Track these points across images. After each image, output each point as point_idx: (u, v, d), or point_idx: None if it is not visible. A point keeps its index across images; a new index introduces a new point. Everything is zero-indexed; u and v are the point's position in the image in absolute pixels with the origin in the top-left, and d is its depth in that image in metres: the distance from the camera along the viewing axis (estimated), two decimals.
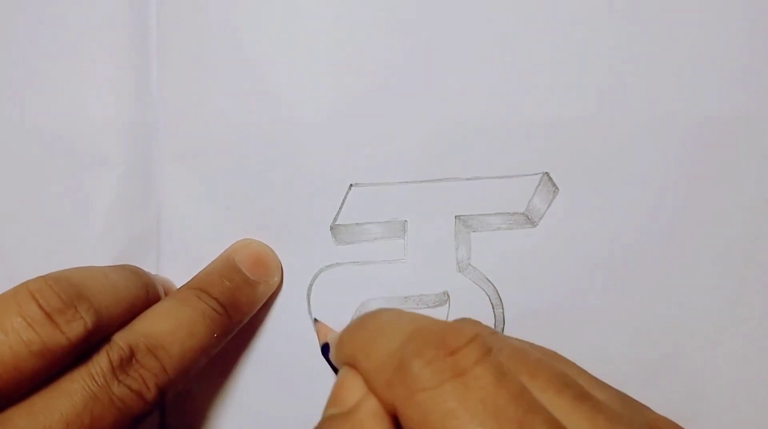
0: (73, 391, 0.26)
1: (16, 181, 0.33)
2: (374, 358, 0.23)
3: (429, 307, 0.34)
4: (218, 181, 0.33)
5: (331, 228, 0.34)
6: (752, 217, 0.33)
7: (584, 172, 0.33)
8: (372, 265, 0.34)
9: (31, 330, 0.25)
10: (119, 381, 0.27)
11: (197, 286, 0.31)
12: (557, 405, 0.22)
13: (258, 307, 0.33)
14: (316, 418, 0.33)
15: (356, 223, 0.34)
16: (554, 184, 0.33)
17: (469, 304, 0.33)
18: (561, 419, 0.21)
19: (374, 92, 0.33)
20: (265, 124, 0.33)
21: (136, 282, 0.29)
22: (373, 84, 0.33)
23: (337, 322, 0.34)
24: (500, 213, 0.33)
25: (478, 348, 0.22)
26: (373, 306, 0.34)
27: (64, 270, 0.28)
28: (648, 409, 0.24)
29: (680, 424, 0.32)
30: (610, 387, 0.24)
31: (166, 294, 0.32)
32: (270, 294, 0.33)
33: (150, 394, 0.27)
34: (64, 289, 0.26)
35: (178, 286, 0.33)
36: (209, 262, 0.33)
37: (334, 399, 0.25)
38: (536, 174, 0.33)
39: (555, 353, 0.26)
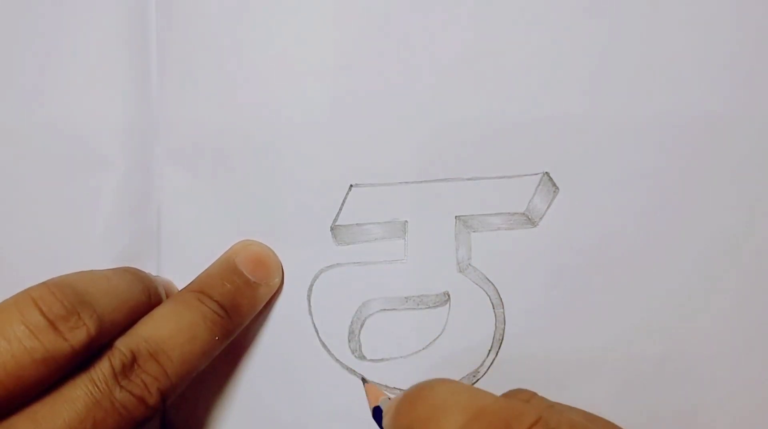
0: (76, 397, 0.26)
1: (16, 183, 0.33)
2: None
3: (429, 307, 0.34)
4: (218, 182, 0.33)
5: (332, 228, 0.34)
6: (754, 216, 0.33)
7: (584, 172, 0.33)
8: (372, 266, 0.34)
9: (33, 338, 0.25)
10: (121, 386, 0.27)
11: (198, 289, 0.31)
12: None
13: (259, 309, 0.33)
14: (317, 418, 0.33)
15: (356, 224, 0.34)
16: (554, 184, 0.33)
17: (469, 305, 0.33)
18: None
19: (374, 93, 0.33)
20: (265, 125, 0.33)
21: (137, 285, 0.29)
22: (373, 84, 0.33)
23: (338, 322, 0.34)
24: (500, 213, 0.33)
25: None
26: (374, 306, 0.34)
27: (67, 275, 0.28)
28: None
29: (681, 422, 0.32)
30: None
31: (167, 296, 0.32)
32: (271, 295, 0.33)
33: (152, 399, 0.27)
34: (66, 296, 0.26)
35: (179, 288, 0.33)
36: (210, 264, 0.33)
37: None
38: (536, 174, 0.33)
39: (612, 425, 0.26)
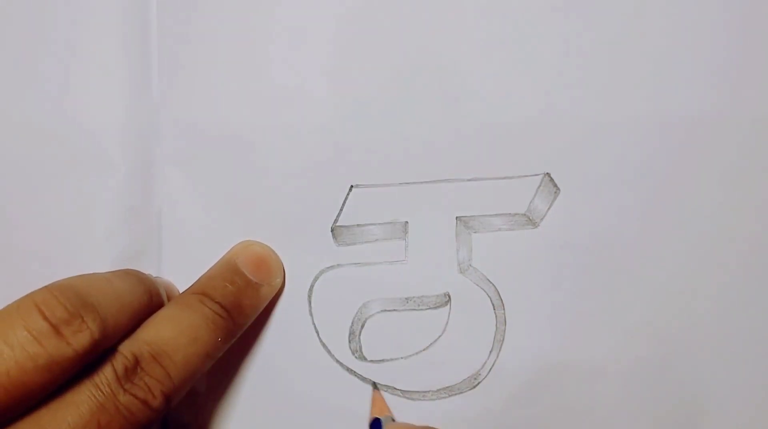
0: (80, 401, 0.26)
1: (16, 184, 0.33)
2: None
3: (430, 308, 0.34)
4: (219, 183, 0.33)
5: (332, 229, 0.33)
6: (756, 217, 0.33)
7: (585, 173, 0.33)
8: (373, 267, 0.34)
9: (36, 343, 0.24)
10: (125, 390, 0.26)
11: (200, 291, 0.30)
12: None
13: (261, 309, 0.32)
14: (317, 419, 0.33)
15: (357, 225, 0.33)
16: (555, 185, 0.33)
17: (470, 306, 0.33)
18: None
19: (374, 93, 0.33)
20: (265, 126, 0.33)
21: (139, 288, 0.29)
22: (373, 85, 0.33)
23: (339, 322, 0.34)
24: (501, 214, 0.33)
25: None
26: (375, 307, 0.34)
27: (69, 279, 0.27)
28: None
29: (680, 423, 0.33)
30: None
31: (168, 298, 0.32)
32: (273, 295, 0.33)
33: (156, 402, 0.27)
34: (69, 300, 0.26)
35: (180, 289, 0.33)
36: (211, 265, 0.33)
37: None
38: (537, 175, 0.33)
39: None
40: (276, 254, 0.33)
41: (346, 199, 0.33)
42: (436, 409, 0.34)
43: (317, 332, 0.34)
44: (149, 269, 0.34)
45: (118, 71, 0.33)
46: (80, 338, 0.25)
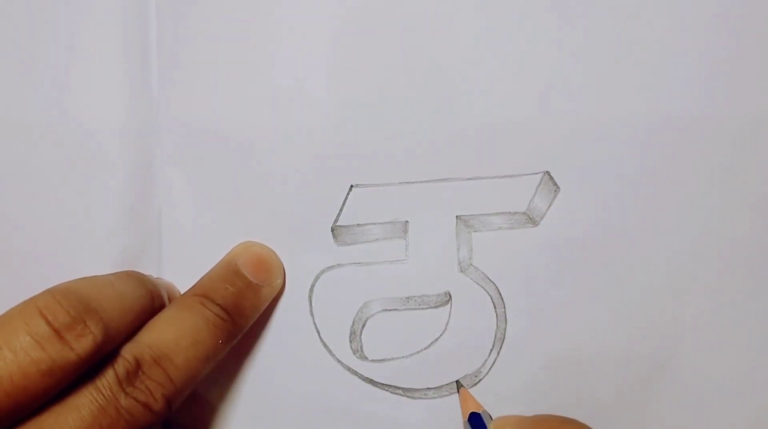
0: (81, 405, 0.26)
1: (16, 185, 0.33)
2: None
3: (431, 307, 0.34)
4: (219, 184, 0.33)
5: (332, 229, 0.33)
6: (753, 215, 0.33)
7: (585, 171, 0.33)
8: (373, 266, 0.34)
9: (39, 348, 0.25)
10: (126, 393, 0.26)
11: (200, 293, 0.30)
12: None
13: (262, 311, 0.33)
14: (318, 419, 0.33)
15: (357, 224, 0.33)
16: (555, 184, 0.33)
17: (471, 305, 0.33)
18: None
19: (374, 93, 0.33)
20: (265, 126, 0.33)
21: (141, 290, 0.29)
22: (373, 85, 0.33)
23: (339, 322, 0.34)
24: (501, 213, 0.33)
25: None
26: (375, 307, 0.34)
27: (71, 282, 0.27)
28: None
29: (680, 422, 0.33)
30: None
31: (169, 299, 0.32)
32: (273, 296, 0.33)
33: (158, 405, 0.27)
34: (72, 304, 0.26)
35: (181, 290, 0.33)
36: (211, 265, 0.33)
37: None
38: (537, 173, 0.33)
39: None
40: (276, 255, 0.33)
41: (346, 198, 0.33)
42: (437, 408, 0.34)
43: (318, 332, 0.34)
44: (149, 270, 0.34)
45: (118, 71, 0.33)
46: (83, 343, 0.25)
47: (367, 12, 0.32)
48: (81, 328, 0.25)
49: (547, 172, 0.33)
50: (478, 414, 0.31)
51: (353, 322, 0.34)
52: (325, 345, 0.34)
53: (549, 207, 0.33)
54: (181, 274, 0.34)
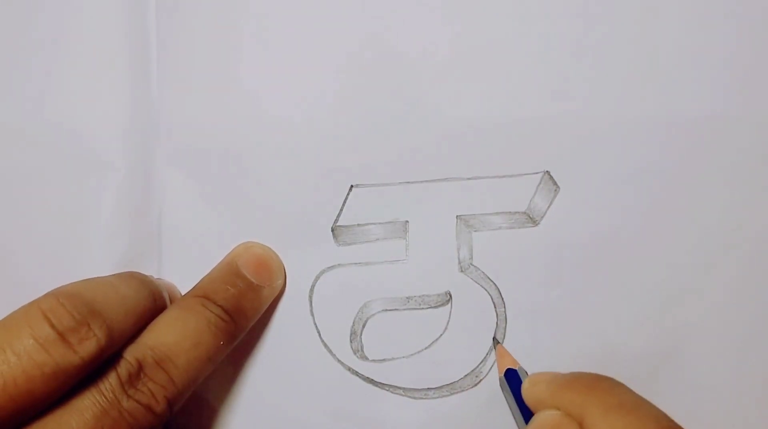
0: (84, 408, 0.26)
1: (17, 186, 0.33)
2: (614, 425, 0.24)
3: (431, 307, 0.34)
4: (219, 184, 0.33)
5: (333, 229, 0.33)
6: (754, 215, 0.33)
7: (585, 171, 0.33)
8: (373, 266, 0.34)
9: (43, 352, 0.25)
10: (128, 396, 0.27)
11: (201, 294, 0.30)
12: None
13: (263, 311, 0.33)
14: (319, 419, 0.33)
15: (357, 224, 0.33)
16: (555, 183, 0.33)
17: (471, 304, 0.34)
18: None
19: (374, 93, 0.33)
20: (265, 127, 0.33)
21: (143, 291, 0.29)
22: (373, 84, 0.33)
23: (340, 322, 0.34)
24: (501, 212, 0.33)
25: None
26: (376, 307, 0.34)
27: (74, 284, 0.27)
28: None
29: (682, 420, 0.33)
30: None
31: (171, 299, 0.32)
32: (274, 297, 0.33)
33: (160, 407, 0.27)
34: (76, 307, 0.26)
35: (182, 291, 0.33)
36: (211, 266, 0.33)
37: None
38: (537, 173, 0.33)
39: None
40: (277, 256, 0.33)
41: (346, 198, 0.33)
42: (438, 408, 0.34)
43: (318, 332, 0.34)
44: (150, 270, 0.34)
45: (118, 73, 0.33)
46: (87, 346, 0.25)
47: (367, 12, 0.32)
48: (85, 332, 0.25)
49: (547, 171, 0.33)
50: (515, 370, 0.31)
51: (354, 322, 0.34)
52: (325, 345, 0.34)
53: (549, 206, 0.33)
54: (181, 274, 0.34)
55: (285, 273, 0.33)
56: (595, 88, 0.32)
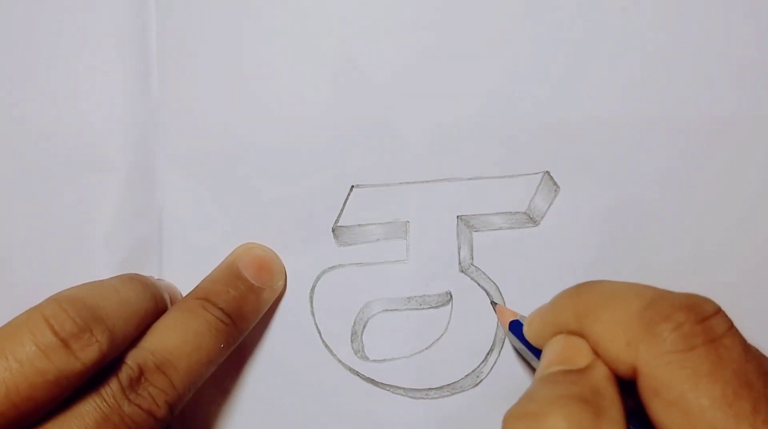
0: (85, 413, 0.26)
1: (17, 187, 0.33)
2: (608, 321, 0.24)
3: (432, 307, 0.34)
4: (220, 185, 0.33)
5: (333, 229, 0.33)
6: (755, 215, 0.33)
7: (585, 171, 0.33)
8: (374, 266, 0.34)
9: (45, 358, 0.25)
10: (130, 401, 0.27)
11: (202, 296, 0.31)
12: None
13: (263, 313, 0.33)
14: (320, 420, 0.33)
15: (358, 225, 0.33)
16: (555, 183, 0.33)
17: (471, 305, 0.34)
18: None
19: (375, 93, 0.33)
20: (266, 127, 0.33)
21: (145, 294, 0.29)
22: (373, 85, 0.33)
23: (341, 323, 0.34)
24: (502, 212, 0.33)
25: (725, 319, 0.23)
26: (376, 307, 0.34)
27: (76, 289, 0.27)
28: None
29: None
30: None
31: (171, 301, 0.32)
32: (274, 299, 0.33)
33: (160, 412, 0.27)
34: (79, 313, 0.26)
35: (182, 291, 0.33)
36: (212, 266, 0.33)
37: (559, 359, 0.26)
38: (537, 173, 0.33)
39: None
40: (278, 257, 0.33)
41: (346, 199, 0.33)
42: (439, 408, 0.34)
43: (319, 333, 0.34)
44: (150, 271, 0.34)
45: (119, 72, 0.33)
46: (89, 352, 0.25)
47: (367, 13, 0.32)
48: (87, 338, 0.26)
49: (547, 171, 0.33)
50: (517, 321, 0.31)
51: (354, 323, 0.34)
52: (326, 345, 0.34)
53: (549, 207, 0.33)
54: (182, 275, 0.34)
55: (286, 274, 0.33)
56: (596, 89, 0.32)
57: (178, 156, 0.33)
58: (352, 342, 0.34)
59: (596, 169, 0.33)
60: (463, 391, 0.34)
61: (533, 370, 0.32)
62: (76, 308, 0.26)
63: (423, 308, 0.34)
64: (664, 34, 0.32)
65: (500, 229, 0.33)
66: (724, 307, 0.32)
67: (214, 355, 0.30)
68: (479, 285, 0.34)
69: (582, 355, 0.25)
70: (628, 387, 0.25)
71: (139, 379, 0.27)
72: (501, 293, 0.33)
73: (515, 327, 0.31)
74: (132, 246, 0.33)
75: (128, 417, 0.26)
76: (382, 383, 0.34)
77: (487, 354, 0.34)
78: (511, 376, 0.34)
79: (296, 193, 0.33)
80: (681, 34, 0.32)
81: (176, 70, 0.33)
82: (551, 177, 0.33)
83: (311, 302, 0.34)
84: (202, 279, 0.32)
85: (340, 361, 0.34)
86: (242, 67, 0.33)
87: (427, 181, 0.33)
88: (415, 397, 0.34)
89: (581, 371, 0.24)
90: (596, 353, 0.25)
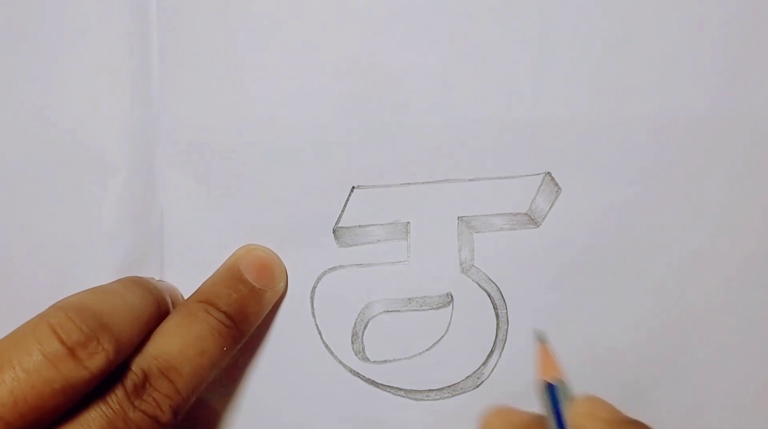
0: (91, 420, 0.26)
1: (18, 188, 0.33)
2: None
3: (432, 308, 0.34)
4: (221, 185, 0.33)
5: (334, 230, 0.33)
6: (756, 215, 0.33)
7: (586, 172, 0.33)
8: (375, 267, 0.34)
9: (52, 368, 0.25)
10: (134, 407, 0.27)
11: (204, 299, 0.30)
12: None
13: (265, 315, 0.33)
14: (321, 420, 0.33)
15: (359, 226, 0.33)
16: (556, 184, 0.33)
17: (472, 306, 0.34)
18: None
19: (375, 94, 0.32)
20: (267, 128, 0.32)
21: (148, 299, 0.29)
22: (374, 86, 0.32)
23: (341, 324, 0.34)
24: (503, 213, 0.33)
25: None
26: (377, 308, 0.34)
27: (82, 295, 0.27)
28: None
29: (682, 421, 0.33)
30: None
31: (173, 303, 0.32)
32: (276, 300, 0.33)
33: (165, 417, 0.27)
34: (86, 321, 0.26)
35: (183, 292, 0.33)
36: (213, 267, 0.33)
37: None
38: (538, 174, 0.33)
39: None
40: (279, 258, 0.33)
41: (347, 200, 0.33)
42: (440, 409, 0.34)
43: (320, 334, 0.34)
44: (151, 272, 0.33)
45: (119, 74, 0.32)
46: (96, 360, 0.25)
47: (368, 12, 0.32)
48: (94, 346, 0.25)
49: (548, 172, 0.33)
50: (553, 386, 0.27)
51: (355, 324, 0.34)
52: (327, 346, 0.34)
53: (550, 208, 0.33)
54: (183, 275, 0.34)
55: (287, 276, 0.33)
56: (597, 89, 0.32)
57: (179, 157, 0.33)
58: (352, 343, 0.34)
59: (598, 170, 0.33)
60: (464, 392, 0.34)
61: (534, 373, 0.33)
62: (82, 316, 0.26)
63: (424, 309, 0.34)
64: (667, 34, 0.32)
65: (501, 230, 0.33)
66: (724, 307, 0.33)
67: (217, 358, 0.30)
68: (480, 286, 0.34)
69: None
70: None
71: (143, 385, 0.27)
72: (502, 294, 0.33)
73: (552, 389, 0.27)
74: (133, 247, 0.33)
75: (133, 423, 0.26)
76: (382, 384, 0.34)
77: (488, 355, 0.34)
78: (512, 378, 0.34)
79: (297, 194, 0.33)
80: (682, 35, 0.32)
81: (176, 70, 0.32)
82: (552, 178, 0.33)
83: (312, 303, 0.34)
84: (203, 279, 0.32)
85: (340, 362, 0.34)
86: (243, 68, 0.32)
87: (428, 182, 0.33)
88: (415, 399, 0.34)
89: None
90: None
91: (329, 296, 0.34)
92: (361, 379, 0.34)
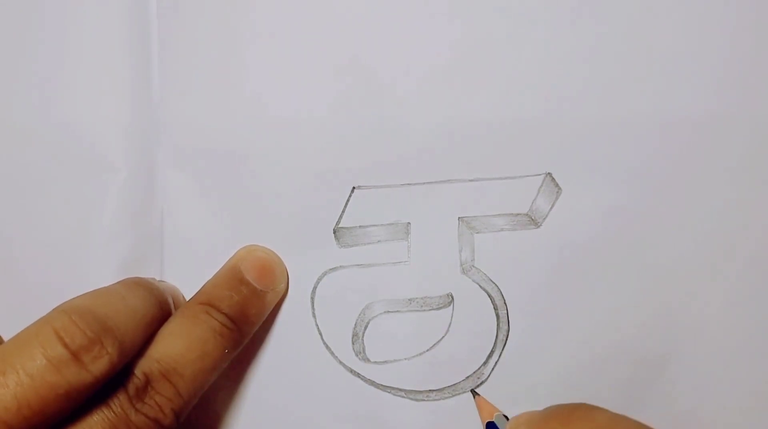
0: (93, 423, 0.26)
1: (19, 188, 0.33)
2: None
3: (433, 309, 0.34)
4: (221, 186, 0.33)
5: (335, 231, 0.33)
6: (757, 215, 0.33)
7: (587, 172, 0.33)
8: (375, 268, 0.34)
9: (56, 372, 0.25)
10: (137, 410, 0.27)
11: (205, 301, 0.30)
12: None
13: (266, 316, 0.33)
14: (321, 421, 0.33)
15: (359, 226, 0.33)
16: (557, 185, 0.33)
17: (473, 306, 0.34)
18: None
19: (376, 94, 0.32)
20: (267, 128, 0.32)
21: (151, 300, 0.29)
22: (374, 86, 0.32)
23: (342, 324, 0.34)
24: (503, 214, 0.33)
25: None
26: (378, 308, 0.34)
27: (84, 299, 0.27)
28: None
29: (683, 421, 0.33)
30: None
31: (174, 304, 0.32)
32: (277, 301, 0.33)
33: (167, 420, 0.27)
34: (89, 325, 0.26)
35: (184, 293, 0.33)
36: (214, 267, 0.33)
37: None
38: (539, 175, 0.33)
39: None
40: (280, 259, 0.33)
41: (348, 200, 0.33)
42: (440, 409, 0.34)
43: (320, 334, 0.34)
44: (152, 272, 0.34)
45: (120, 74, 0.32)
46: (99, 364, 0.25)
47: (368, 12, 0.32)
48: (98, 350, 0.25)
49: (549, 173, 0.33)
50: (493, 422, 0.31)
51: (355, 324, 0.34)
52: (327, 347, 0.34)
53: (551, 208, 0.33)
54: (183, 275, 0.34)
55: (288, 276, 0.33)
56: (597, 90, 0.32)
57: (179, 157, 0.33)
58: (353, 343, 0.34)
59: (599, 170, 0.33)
60: (465, 392, 0.34)
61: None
62: (85, 320, 0.26)
63: (424, 310, 0.34)
64: (667, 34, 0.32)
65: (502, 230, 0.33)
66: (724, 307, 0.33)
67: (218, 360, 0.30)
68: (481, 287, 0.34)
69: None
70: None
71: (145, 388, 0.27)
72: (503, 295, 0.33)
73: (492, 427, 0.31)
74: (134, 246, 0.33)
75: (135, 426, 0.26)
76: (383, 385, 0.34)
77: (489, 356, 0.34)
78: (512, 378, 0.34)
79: (297, 195, 0.33)
80: (682, 34, 0.32)
81: (176, 70, 0.32)
82: (553, 178, 0.33)
83: (312, 304, 0.34)
84: (203, 279, 0.32)
85: (341, 362, 0.34)
86: (243, 67, 0.32)
87: (428, 183, 0.33)
88: (416, 399, 0.34)
89: None
90: None
91: (330, 296, 0.34)
92: (362, 379, 0.34)
